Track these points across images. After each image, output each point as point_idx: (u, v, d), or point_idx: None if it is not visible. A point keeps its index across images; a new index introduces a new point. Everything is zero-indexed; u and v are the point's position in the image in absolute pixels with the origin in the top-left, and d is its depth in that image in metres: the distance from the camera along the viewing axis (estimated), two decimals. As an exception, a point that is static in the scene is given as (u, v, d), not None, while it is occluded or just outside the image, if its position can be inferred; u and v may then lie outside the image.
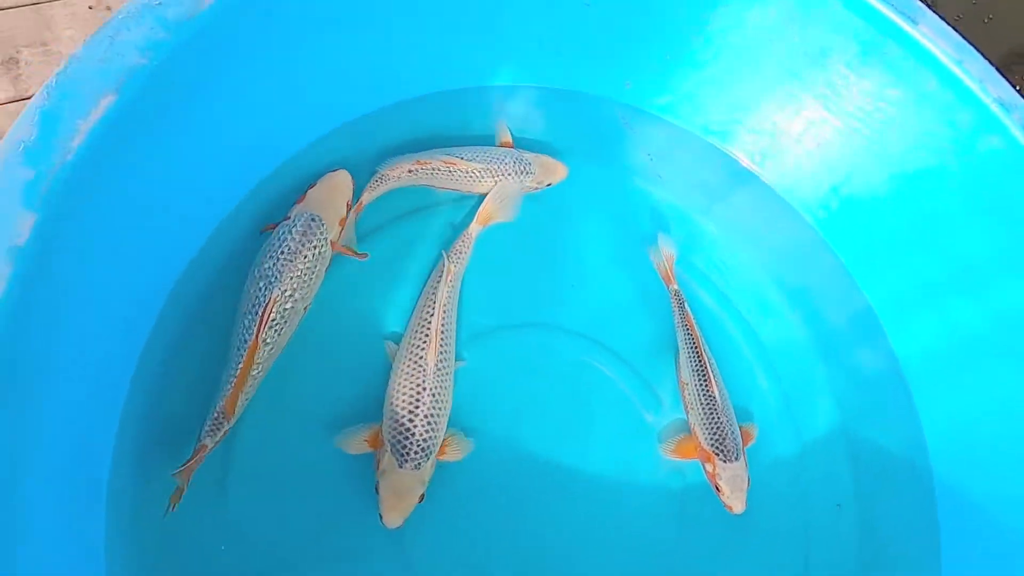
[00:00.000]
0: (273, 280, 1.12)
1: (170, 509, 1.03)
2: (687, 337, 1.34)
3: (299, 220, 1.18)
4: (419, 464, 1.09)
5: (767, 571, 1.28)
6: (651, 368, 1.36)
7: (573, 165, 1.45)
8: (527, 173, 1.38)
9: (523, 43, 1.44)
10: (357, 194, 1.32)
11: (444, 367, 1.17)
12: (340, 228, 1.23)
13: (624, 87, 1.50)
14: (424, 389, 1.13)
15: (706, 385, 1.28)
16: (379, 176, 1.34)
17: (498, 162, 1.36)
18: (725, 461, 1.24)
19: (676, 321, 1.37)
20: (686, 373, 1.32)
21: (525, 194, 1.40)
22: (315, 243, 1.17)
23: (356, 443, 1.14)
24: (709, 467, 1.25)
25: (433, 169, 1.34)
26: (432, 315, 1.19)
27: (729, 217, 1.54)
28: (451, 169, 1.34)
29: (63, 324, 0.92)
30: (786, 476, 1.36)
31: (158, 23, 0.88)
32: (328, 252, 1.21)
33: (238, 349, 1.10)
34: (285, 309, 1.13)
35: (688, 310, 1.36)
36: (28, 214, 0.78)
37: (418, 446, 1.10)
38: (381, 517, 1.08)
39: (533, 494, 1.24)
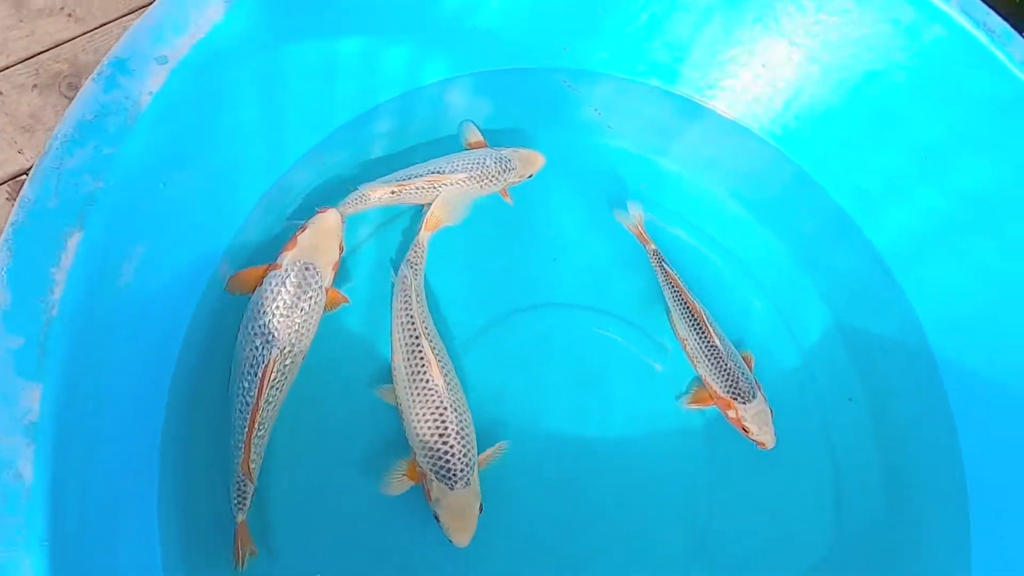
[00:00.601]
0: (271, 338, 1.08)
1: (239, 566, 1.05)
2: (674, 294, 1.35)
3: (292, 270, 1.12)
4: (468, 480, 1.11)
5: (801, 486, 1.34)
6: (648, 320, 1.39)
7: (526, 141, 1.43)
8: (509, 170, 1.36)
9: (455, 33, 1.39)
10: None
11: (452, 380, 1.17)
12: (333, 273, 1.18)
13: (562, 51, 1.47)
14: (445, 409, 1.12)
15: (705, 337, 1.30)
16: (358, 195, 1.30)
17: (480, 166, 1.33)
18: (744, 403, 1.27)
19: (660, 280, 1.38)
20: (682, 329, 1.34)
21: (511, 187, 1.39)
22: (311, 294, 1.13)
23: (397, 483, 1.14)
24: (731, 413, 1.29)
25: (417, 188, 1.31)
26: (418, 336, 1.17)
27: (689, 153, 1.55)
28: (435, 186, 1.31)
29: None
30: (794, 385, 1.41)
31: (101, 140, 0.83)
32: (323, 300, 1.16)
33: (240, 411, 1.07)
34: (285, 366, 1.09)
35: (669, 267, 1.37)
36: (30, 385, 0.75)
37: (461, 464, 1.10)
38: (450, 541, 1.09)
39: (568, 466, 1.27)
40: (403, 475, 1.14)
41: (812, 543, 1.30)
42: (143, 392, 1.08)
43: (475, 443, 1.15)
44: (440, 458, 1.10)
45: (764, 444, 1.27)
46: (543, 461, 1.26)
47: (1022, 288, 1.32)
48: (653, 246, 1.39)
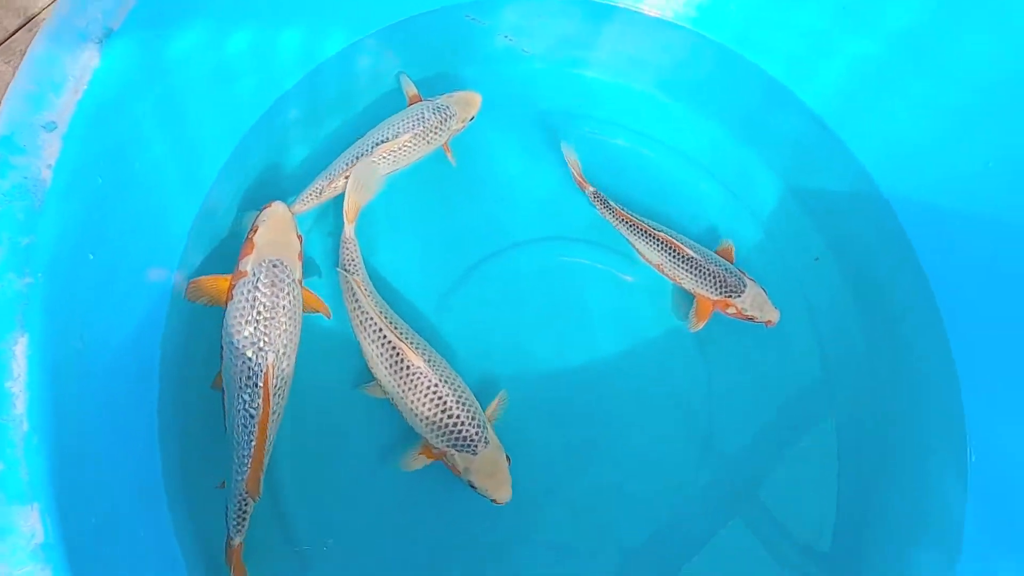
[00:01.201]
0: (263, 345, 1.04)
1: None
2: (629, 228, 1.34)
3: (261, 272, 1.06)
4: (486, 439, 1.12)
5: (791, 356, 1.39)
6: (607, 234, 1.38)
7: (452, 84, 1.38)
8: (450, 117, 1.33)
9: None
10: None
11: (430, 355, 1.16)
12: (300, 264, 1.13)
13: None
14: (435, 385, 1.12)
15: (678, 254, 1.31)
16: (312, 190, 1.26)
17: (421, 122, 1.30)
18: (739, 296, 1.30)
19: (610, 220, 1.36)
20: (653, 256, 1.34)
21: (452, 137, 1.35)
22: (287, 290, 1.08)
23: (416, 461, 1.16)
24: (731, 310, 1.31)
25: (372, 163, 1.27)
26: (382, 330, 1.15)
27: (610, 58, 1.51)
28: (385, 155, 1.28)
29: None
30: (761, 258, 1.44)
31: (13, 232, 0.79)
32: (300, 294, 1.12)
33: (244, 426, 1.03)
34: (282, 370, 1.06)
35: (613, 204, 1.35)
36: (26, 508, 0.73)
37: (473, 427, 1.12)
38: (493, 501, 1.12)
39: (566, 395, 1.30)
40: (420, 455, 1.15)
41: (808, 412, 1.36)
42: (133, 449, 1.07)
43: (477, 402, 1.16)
44: (452, 431, 1.11)
45: (771, 322, 1.31)
46: (541, 398, 1.29)
47: (960, 115, 1.33)
48: (591, 188, 1.37)
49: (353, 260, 1.22)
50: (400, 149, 1.28)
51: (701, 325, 1.32)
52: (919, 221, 1.42)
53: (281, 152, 1.32)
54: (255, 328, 1.04)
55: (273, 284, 1.06)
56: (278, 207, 1.15)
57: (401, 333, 1.16)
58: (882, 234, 1.46)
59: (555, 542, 1.23)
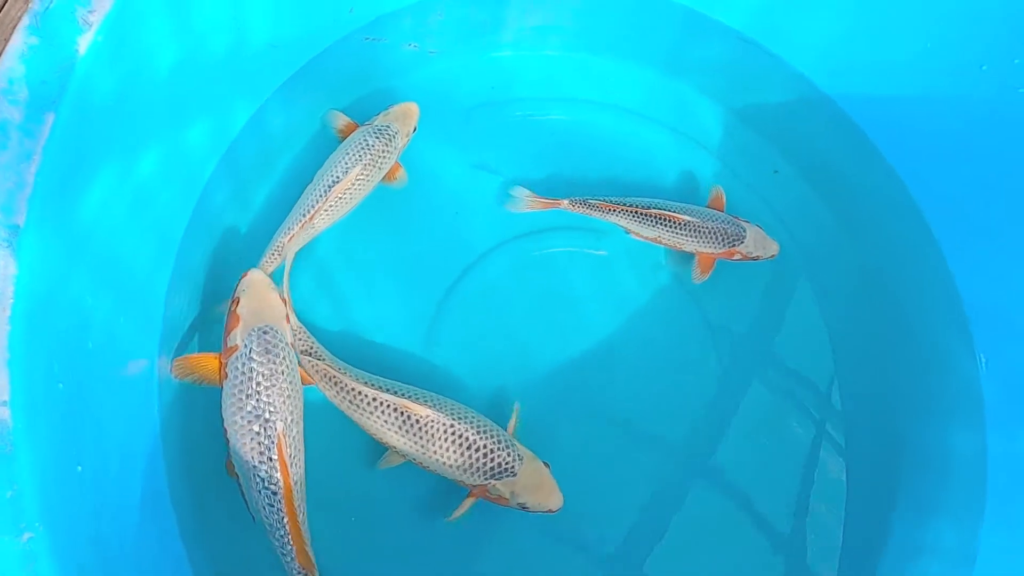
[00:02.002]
0: (270, 416, 1.00)
1: None
2: (617, 215, 1.31)
3: (252, 342, 1.02)
4: (519, 456, 1.10)
5: (779, 274, 1.39)
6: (566, 217, 1.34)
7: (368, 111, 1.33)
8: (393, 135, 1.27)
9: (239, 65, 1.23)
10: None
11: (432, 399, 1.12)
12: (289, 327, 1.09)
13: (348, 14, 1.32)
14: (452, 425, 1.09)
15: (673, 223, 1.29)
16: (275, 248, 1.21)
17: (367, 150, 1.24)
18: (742, 243, 1.30)
19: (597, 216, 1.32)
20: (648, 232, 1.31)
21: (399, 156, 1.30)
22: (282, 354, 1.04)
23: (461, 509, 1.13)
24: (736, 256, 1.31)
25: (328, 210, 1.22)
26: (375, 398, 1.10)
27: (513, 33, 1.46)
28: (341, 195, 1.23)
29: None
30: (721, 184, 1.41)
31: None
32: (295, 357, 1.08)
33: (270, 506, 0.99)
34: (293, 438, 1.02)
35: (592, 200, 1.31)
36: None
37: (504, 452, 1.10)
38: (549, 511, 1.11)
39: (577, 385, 1.29)
40: (470, 503, 1.13)
41: (807, 341, 1.37)
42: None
43: (494, 424, 1.13)
44: (484, 464, 1.09)
45: (773, 255, 1.32)
46: (556, 394, 1.28)
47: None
48: (564, 201, 1.32)
49: (311, 346, 1.16)
50: (355, 184, 1.23)
51: (707, 276, 1.33)
52: (868, 112, 1.41)
53: (223, 243, 1.26)
54: (258, 401, 1.00)
55: (267, 351, 1.02)
56: (254, 275, 1.10)
57: (394, 391, 1.12)
58: (835, 133, 1.45)
59: (596, 541, 1.23)
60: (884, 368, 1.35)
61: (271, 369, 1.01)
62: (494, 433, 1.10)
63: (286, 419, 1.01)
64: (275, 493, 0.99)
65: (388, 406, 1.10)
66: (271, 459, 0.99)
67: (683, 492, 1.26)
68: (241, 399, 1.00)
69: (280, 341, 1.04)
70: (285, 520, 1.00)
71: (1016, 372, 1.21)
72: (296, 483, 1.01)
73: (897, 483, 1.28)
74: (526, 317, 1.32)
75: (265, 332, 1.03)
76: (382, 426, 1.11)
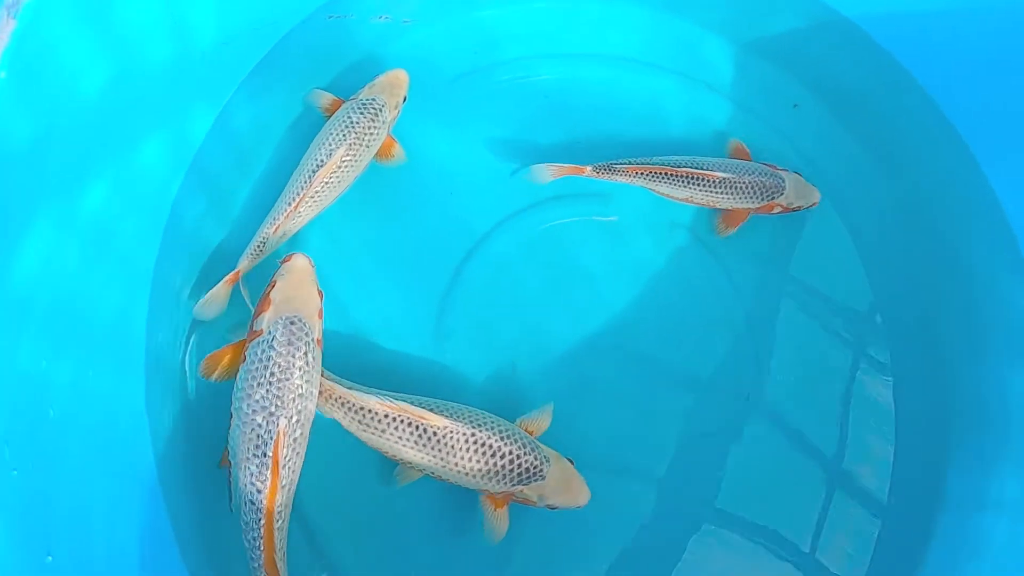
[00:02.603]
0: (274, 410, 0.95)
1: None
2: (645, 177, 1.21)
3: (277, 330, 0.98)
4: (545, 457, 1.05)
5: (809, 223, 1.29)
6: (573, 182, 1.24)
7: (348, 89, 1.23)
8: (380, 109, 1.18)
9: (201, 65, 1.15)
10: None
11: (446, 408, 1.05)
12: (320, 323, 1.03)
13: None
14: (473, 433, 1.02)
15: (706, 182, 1.20)
16: (258, 242, 1.13)
17: (352, 128, 1.15)
18: (782, 194, 1.22)
19: (624, 181, 1.23)
20: (680, 192, 1.22)
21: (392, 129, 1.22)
22: (305, 349, 0.98)
23: (497, 519, 1.06)
24: (777, 209, 1.23)
25: (313, 197, 1.14)
26: (387, 414, 1.03)
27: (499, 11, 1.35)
28: (327, 180, 1.14)
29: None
30: (742, 130, 1.32)
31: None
32: (319, 355, 1.02)
33: (251, 503, 0.94)
34: (294, 439, 0.97)
35: (617, 164, 1.21)
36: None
37: (530, 455, 1.03)
38: (578, 507, 1.06)
39: (597, 366, 1.20)
40: (495, 511, 1.06)
41: (847, 291, 1.27)
42: None
43: (516, 427, 1.06)
44: (511, 470, 1.03)
45: (815, 203, 1.25)
46: (577, 377, 1.19)
47: None
48: (587, 168, 1.22)
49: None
50: (341, 167, 1.14)
51: (733, 230, 1.25)
52: (891, 31, 1.28)
53: (206, 262, 1.18)
54: (267, 391, 0.95)
55: (290, 343, 0.97)
56: (299, 259, 1.05)
57: (406, 404, 1.04)
58: (857, 57, 1.32)
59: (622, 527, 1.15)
60: (930, 307, 1.25)
61: (289, 362, 0.97)
62: (517, 437, 1.04)
63: (291, 417, 0.96)
64: (260, 491, 0.94)
65: (402, 421, 1.02)
66: (265, 455, 0.94)
67: (720, 471, 1.17)
68: (252, 386, 0.96)
69: (306, 335, 0.99)
70: (262, 522, 0.94)
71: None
72: (284, 487, 0.95)
73: (950, 431, 1.19)
74: (538, 297, 1.23)
75: (292, 322, 0.99)
76: (397, 442, 1.03)
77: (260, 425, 0.94)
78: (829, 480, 1.17)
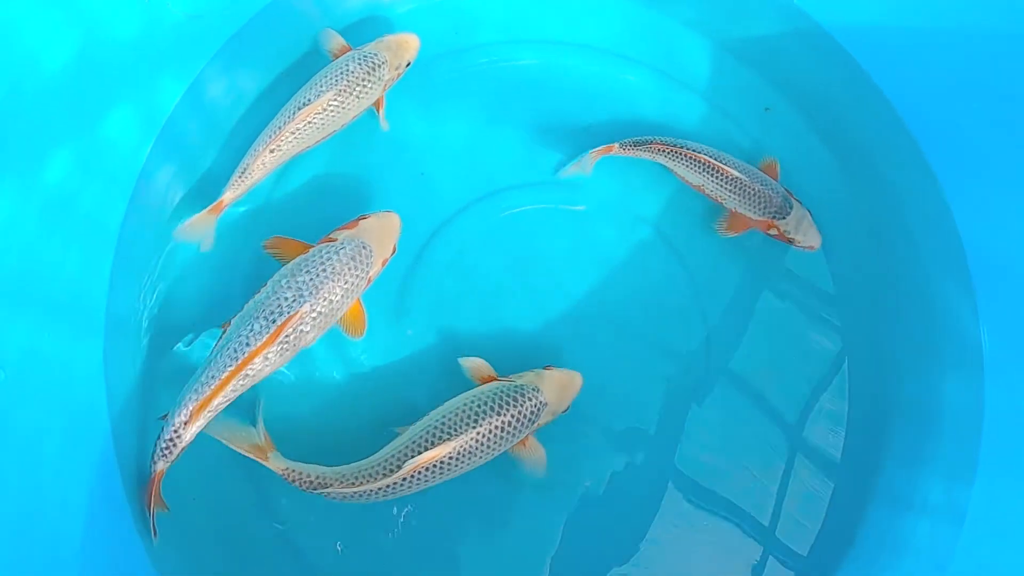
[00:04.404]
0: (304, 294, 1.01)
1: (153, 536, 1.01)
2: (666, 154, 1.24)
3: (348, 244, 1.06)
4: (533, 389, 1.08)
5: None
6: (538, 170, 1.27)
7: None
8: (379, 66, 1.19)
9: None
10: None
11: (435, 429, 1.05)
12: (380, 268, 1.11)
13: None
14: (475, 434, 1.04)
15: (721, 175, 1.21)
16: (240, 172, 1.14)
17: (345, 75, 1.16)
18: (784, 217, 1.22)
19: (647, 157, 1.25)
20: (693, 178, 1.24)
21: (389, 89, 1.22)
22: (359, 272, 1.07)
23: (531, 450, 1.11)
24: (773, 231, 1.24)
25: (295, 132, 1.15)
26: (388, 477, 1.02)
27: None
28: (310, 119, 1.15)
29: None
30: (710, 131, 1.33)
31: None
32: (363, 288, 1.10)
33: (234, 351, 0.99)
34: (301, 330, 1.02)
35: (646, 140, 1.24)
36: None
37: (526, 401, 1.07)
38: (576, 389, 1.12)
39: (560, 344, 1.23)
40: (524, 450, 1.10)
41: (806, 283, 1.30)
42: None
43: (497, 387, 1.08)
44: (523, 425, 1.06)
45: (812, 247, 1.24)
46: (530, 363, 1.18)
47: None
48: (615, 146, 1.25)
49: (315, 479, 1.05)
50: (326, 110, 1.15)
51: (732, 234, 1.26)
52: (865, 45, 1.30)
53: (172, 213, 1.19)
54: (310, 279, 1.03)
55: (352, 259, 1.06)
56: (395, 216, 1.15)
57: (409, 463, 1.02)
58: (831, 67, 1.34)
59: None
60: (884, 313, 1.29)
61: (341, 270, 1.04)
62: (505, 397, 1.06)
63: (313, 308, 1.02)
64: (248, 345, 0.99)
65: (416, 478, 1.03)
66: (273, 322, 1.00)
67: (665, 466, 1.20)
68: (300, 270, 1.04)
69: (366, 262, 1.07)
70: (227, 369, 0.98)
71: (1017, 325, 1.15)
72: (267, 359, 1.00)
73: (890, 433, 1.23)
74: (499, 280, 1.25)
75: (363, 247, 1.07)
76: (425, 484, 1.05)
77: (285, 299, 1.01)
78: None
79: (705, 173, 1.23)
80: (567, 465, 1.17)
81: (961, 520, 1.12)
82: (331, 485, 1.03)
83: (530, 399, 1.07)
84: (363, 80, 1.16)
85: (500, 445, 1.06)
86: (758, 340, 1.26)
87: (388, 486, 1.02)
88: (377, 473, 1.03)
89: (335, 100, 1.15)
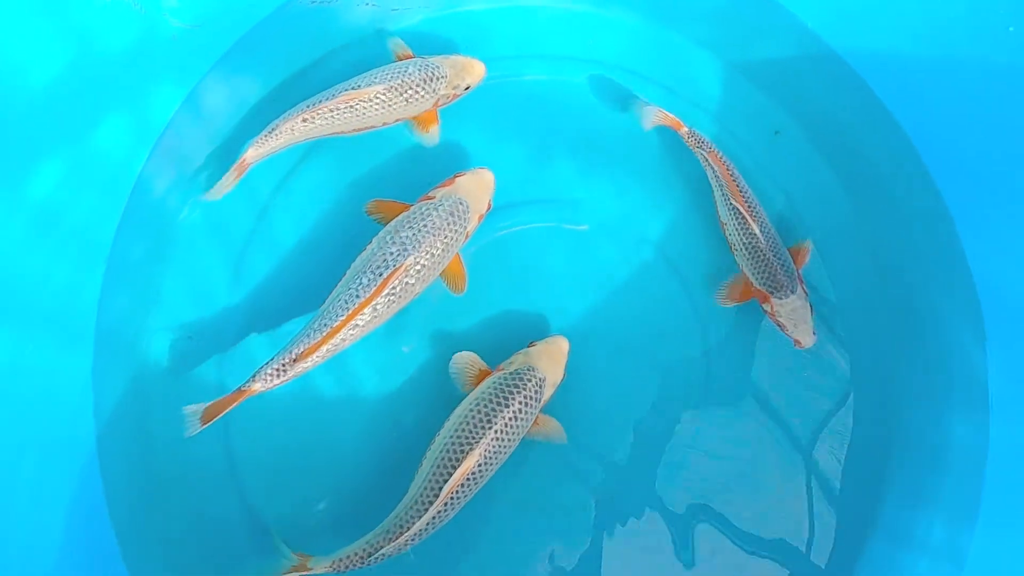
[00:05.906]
0: (409, 249, 1.06)
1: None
2: (713, 169, 1.21)
3: (447, 201, 1.11)
4: (530, 369, 1.09)
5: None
6: (537, 187, 1.25)
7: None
8: (437, 79, 1.17)
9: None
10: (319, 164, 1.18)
11: (453, 448, 1.04)
12: (477, 223, 1.15)
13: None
14: (492, 436, 1.04)
15: (745, 225, 1.17)
16: (268, 131, 1.13)
17: (401, 75, 1.15)
18: (781, 298, 1.17)
19: (699, 156, 1.23)
20: (723, 211, 1.21)
21: (442, 108, 1.21)
22: (457, 227, 1.10)
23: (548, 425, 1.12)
24: (767, 306, 1.18)
25: (332, 111, 1.13)
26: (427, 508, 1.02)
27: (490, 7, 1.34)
28: (352, 104, 1.14)
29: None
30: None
31: None
32: (462, 242, 1.13)
33: (344, 303, 1.04)
34: (406, 283, 1.06)
35: (710, 146, 1.22)
36: None
37: (526, 384, 1.07)
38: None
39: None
40: (543, 429, 1.12)
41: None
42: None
43: (496, 380, 1.08)
44: (532, 408, 1.07)
45: (800, 343, 1.17)
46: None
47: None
48: (684, 128, 1.23)
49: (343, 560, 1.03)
50: (371, 101, 1.14)
51: (731, 303, 1.21)
52: (881, 72, 1.28)
53: (170, 239, 1.19)
54: (413, 234, 1.07)
55: (452, 213, 1.10)
56: (489, 173, 1.18)
57: (434, 492, 1.02)
58: (844, 93, 1.32)
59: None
60: (890, 344, 1.26)
61: (441, 225, 1.08)
62: (508, 387, 1.07)
63: (417, 260, 1.06)
64: (357, 297, 1.03)
65: (456, 497, 1.03)
66: (381, 275, 1.04)
67: (664, 488, 1.19)
68: (403, 226, 1.08)
69: (464, 217, 1.11)
70: (340, 317, 1.03)
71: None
72: (376, 311, 1.05)
73: (892, 470, 1.21)
74: (500, 299, 1.23)
75: (461, 203, 1.11)
76: (460, 505, 1.05)
77: (391, 254, 1.05)
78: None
79: (732, 213, 1.19)
80: (566, 486, 1.16)
81: (962, 562, 1.10)
82: (383, 546, 1.02)
83: (530, 380, 1.08)
84: (417, 85, 1.16)
85: (518, 434, 1.07)
86: (759, 364, 1.23)
87: (435, 517, 1.02)
88: (420, 510, 1.02)
89: (383, 95, 1.14)
